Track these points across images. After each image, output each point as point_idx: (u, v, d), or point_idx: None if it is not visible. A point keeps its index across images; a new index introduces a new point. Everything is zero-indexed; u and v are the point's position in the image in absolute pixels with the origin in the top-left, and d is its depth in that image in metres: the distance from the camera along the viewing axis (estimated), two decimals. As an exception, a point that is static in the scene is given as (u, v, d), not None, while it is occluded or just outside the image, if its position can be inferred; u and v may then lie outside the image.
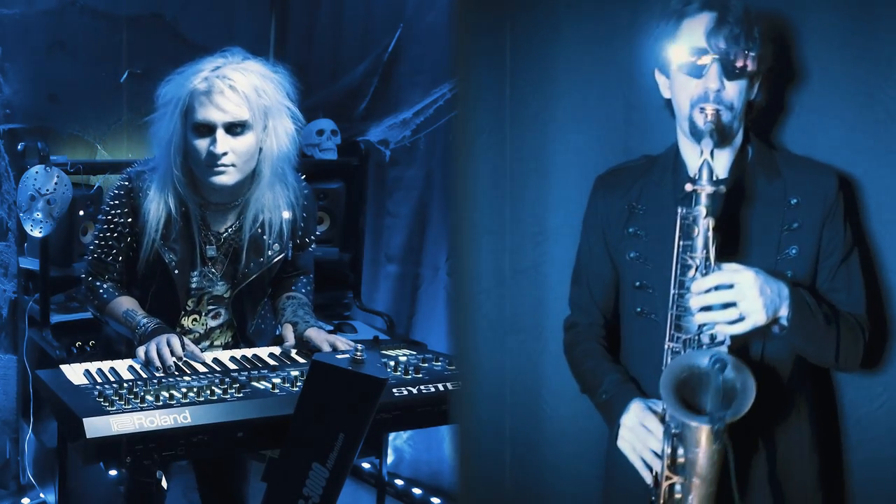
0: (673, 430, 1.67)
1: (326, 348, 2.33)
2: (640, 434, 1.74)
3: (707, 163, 1.64)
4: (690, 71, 1.73)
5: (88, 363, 2.36)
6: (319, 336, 2.37)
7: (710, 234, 1.65)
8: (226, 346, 2.55)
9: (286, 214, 2.35)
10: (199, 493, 2.73)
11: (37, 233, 3.25)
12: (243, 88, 2.15)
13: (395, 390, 2.23)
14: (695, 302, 1.65)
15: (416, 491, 3.86)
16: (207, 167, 2.18)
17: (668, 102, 1.82)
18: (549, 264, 2.06)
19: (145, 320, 2.33)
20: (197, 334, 2.49)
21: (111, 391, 2.09)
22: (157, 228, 2.26)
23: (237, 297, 2.42)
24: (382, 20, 3.97)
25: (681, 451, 1.66)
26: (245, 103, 2.15)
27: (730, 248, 1.75)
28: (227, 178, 2.19)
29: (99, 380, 2.21)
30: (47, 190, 3.19)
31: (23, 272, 3.52)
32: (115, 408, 2.01)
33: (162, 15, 3.86)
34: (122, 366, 2.35)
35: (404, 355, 2.52)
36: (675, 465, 1.67)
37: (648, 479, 1.73)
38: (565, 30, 2.03)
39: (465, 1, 2.08)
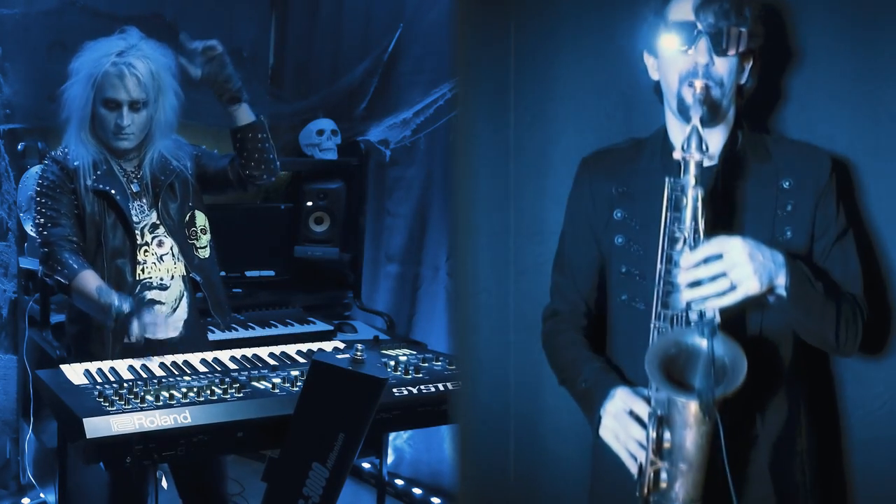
0: (659, 413, 1.60)
1: None
2: (624, 422, 1.67)
3: (696, 129, 1.60)
4: (679, 46, 1.71)
5: (88, 363, 2.36)
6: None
7: (700, 204, 1.59)
8: (184, 281, 2.71)
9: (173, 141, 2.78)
10: (179, 494, 2.76)
11: (37, 233, 3.24)
12: (143, 74, 2.58)
13: (395, 390, 2.23)
14: (683, 277, 1.59)
15: (417, 491, 3.86)
16: (114, 134, 2.62)
17: (657, 86, 1.80)
18: (550, 264, 2.05)
19: (118, 301, 2.47)
20: (152, 264, 2.66)
21: (111, 391, 2.09)
22: (90, 174, 2.62)
23: (164, 213, 2.68)
24: (382, 20, 3.97)
25: (667, 435, 1.59)
26: (143, 87, 2.59)
27: (723, 233, 1.67)
28: (128, 143, 2.65)
29: (99, 380, 2.22)
30: (47, 190, 3.18)
31: (23, 272, 3.52)
32: (115, 408, 2.01)
33: (162, 15, 3.86)
34: (122, 366, 2.36)
35: (404, 355, 2.52)
36: (660, 449, 1.60)
37: (634, 469, 1.67)
38: (566, 30, 2.03)
39: (465, 1, 2.08)
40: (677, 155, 1.62)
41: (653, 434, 1.60)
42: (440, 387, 2.29)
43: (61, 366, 2.32)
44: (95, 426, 1.92)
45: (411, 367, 2.37)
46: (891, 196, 1.83)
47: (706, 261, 1.58)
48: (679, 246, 1.61)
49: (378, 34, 3.97)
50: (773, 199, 1.74)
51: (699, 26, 1.69)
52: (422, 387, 2.28)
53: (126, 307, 2.44)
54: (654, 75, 1.81)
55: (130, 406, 2.02)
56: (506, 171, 2.08)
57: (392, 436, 3.84)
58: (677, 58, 1.72)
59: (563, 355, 1.90)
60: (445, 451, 3.74)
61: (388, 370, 2.34)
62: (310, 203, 3.99)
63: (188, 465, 2.69)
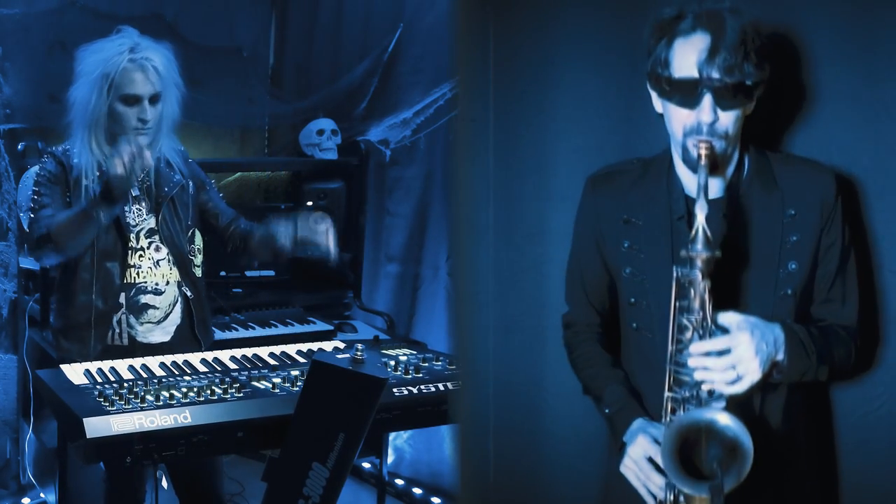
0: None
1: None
2: (645, 469, 1.73)
3: (703, 228, 1.59)
4: (682, 102, 1.67)
5: (88, 363, 2.36)
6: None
7: (707, 295, 1.63)
8: (179, 287, 2.70)
9: (179, 151, 2.81)
10: (176, 493, 2.76)
11: (37, 233, 3.24)
12: (159, 67, 2.59)
13: (395, 390, 2.23)
14: (693, 362, 1.65)
15: (417, 491, 3.86)
16: (135, 130, 2.58)
17: (662, 116, 1.78)
18: (549, 264, 2.06)
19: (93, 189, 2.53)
20: (147, 269, 2.65)
21: (111, 391, 2.09)
22: (89, 175, 2.61)
23: (163, 224, 2.68)
24: (382, 20, 3.97)
25: (682, 497, 1.67)
26: (160, 79, 2.60)
27: (730, 268, 1.70)
28: (146, 138, 2.61)
29: (99, 380, 2.22)
30: (47, 190, 3.18)
31: (23, 272, 3.52)
32: (115, 408, 2.01)
33: (162, 15, 3.86)
34: (122, 365, 2.36)
35: (404, 355, 2.52)
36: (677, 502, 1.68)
37: (652, 502, 1.74)
38: (566, 29, 2.03)
39: (464, 1, 2.08)
40: (685, 254, 1.62)
41: (670, 497, 1.69)
42: (440, 387, 2.29)
43: (61, 366, 2.32)
44: (95, 426, 1.92)
45: (411, 367, 2.37)
46: (890, 211, 1.84)
47: (718, 353, 1.63)
48: (688, 335, 1.66)
49: (378, 34, 3.97)
50: (778, 232, 1.74)
51: (703, 83, 1.63)
52: (422, 387, 2.28)
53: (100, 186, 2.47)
54: (658, 108, 1.77)
55: (130, 406, 2.02)
56: (506, 171, 2.08)
57: (392, 436, 3.84)
58: (680, 110, 1.69)
59: (585, 371, 1.94)
60: (445, 451, 3.74)
61: (388, 370, 2.34)
62: (310, 203, 3.99)
63: (184, 464, 2.69)
